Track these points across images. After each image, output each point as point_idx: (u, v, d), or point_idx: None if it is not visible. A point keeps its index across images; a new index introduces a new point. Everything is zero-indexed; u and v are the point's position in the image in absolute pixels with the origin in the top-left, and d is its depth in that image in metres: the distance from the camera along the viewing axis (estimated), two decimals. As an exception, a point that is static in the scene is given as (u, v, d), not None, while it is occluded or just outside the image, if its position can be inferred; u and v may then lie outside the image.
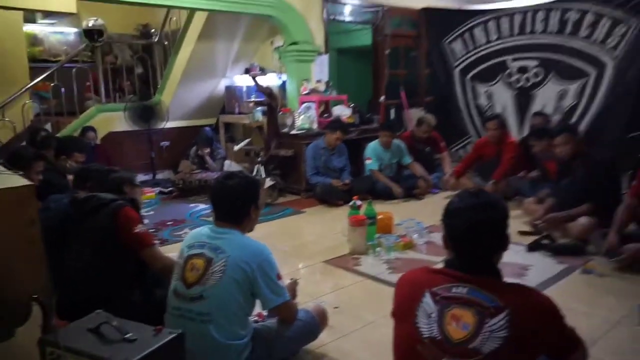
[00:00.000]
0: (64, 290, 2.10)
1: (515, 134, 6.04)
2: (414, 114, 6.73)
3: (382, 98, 6.98)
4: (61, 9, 6.77)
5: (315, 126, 5.73)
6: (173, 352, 1.54)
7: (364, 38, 7.58)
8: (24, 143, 5.78)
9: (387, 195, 5.17)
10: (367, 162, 5.39)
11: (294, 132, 5.69)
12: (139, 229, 2.24)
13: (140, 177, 6.61)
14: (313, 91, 6.03)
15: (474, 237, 1.48)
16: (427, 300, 1.47)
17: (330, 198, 5.14)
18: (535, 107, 6.17)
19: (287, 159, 5.63)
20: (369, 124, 6.27)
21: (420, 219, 4.14)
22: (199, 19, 6.35)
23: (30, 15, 7.23)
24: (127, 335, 1.51)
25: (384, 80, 7.17)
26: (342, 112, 6.02)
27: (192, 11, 6.33)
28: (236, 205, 2.00)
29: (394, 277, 3.16)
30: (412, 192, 5.30)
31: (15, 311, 1.75)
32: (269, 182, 5.32)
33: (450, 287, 1.47)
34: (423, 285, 1.50)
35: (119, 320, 1.60)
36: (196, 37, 6.43)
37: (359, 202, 3.81)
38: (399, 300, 1.60)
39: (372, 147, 5.43)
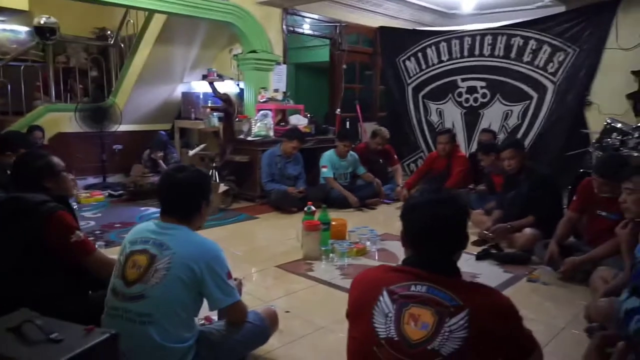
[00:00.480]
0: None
1: (464, 149, 6.12)
2: (368, 127, 6.72)
3: (338, 110, 6.96)
4: (12, 5, 6.47)
5: (271, 134, 5.61)
6: (105, 355, 1.34)
7: (321, 55, 7.65)
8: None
9: (340, 204, 5.08)
10: (323, 169, 5.30)
11: (250, 138, 5.55)
12: (76, 237, 1.94)
13: (90, 180, 6.38)
14: (270, 100, 5.92)
15: (433, 233, 1.39)
16: (384, 299, 1.36)
17: (285, 205, 5.01)
18: (483, 125, 6.29)
19: (242, 165, 5.48)
20: (325, 134, 6.20)
21: (373, 227, 4.06)
22: (157, 23, 6.15)
23: None
24: (52, 336, 1.30)
25: (340, 93, 7.19)
26: (299, 121, 5.92)
27: (150, 14, 6.13)
28: (186, 199, 1.82)
29: (347, 283, 3.04)
30: (364, 201, 5.23)
31: None
32: (223, 188, 5.15)
33: (409, 285, 1.36)
34: (380, 284, 1.39)
35: (44, 320, 1.39)
36: (153, 40, 6.22)
37: (313, 208, 3.69)
38: (354, 299, 1.47)
39: (328, 156, 5.35)
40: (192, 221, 1.84)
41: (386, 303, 1.34)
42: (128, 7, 5.88)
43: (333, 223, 3.70)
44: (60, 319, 1.49)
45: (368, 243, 3.74)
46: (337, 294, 2.89)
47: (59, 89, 6.42)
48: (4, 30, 7.32)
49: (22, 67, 6.17)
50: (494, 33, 6.18)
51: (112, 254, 2.20)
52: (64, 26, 6.20)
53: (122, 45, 6.96)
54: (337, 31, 7.07)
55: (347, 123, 7.22)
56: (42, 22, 5.89)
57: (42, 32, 5.90)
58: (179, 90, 6.97)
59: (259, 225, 4.62)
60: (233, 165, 5.51)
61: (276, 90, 6.10)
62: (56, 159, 2.21)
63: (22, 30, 7.42)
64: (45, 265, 1.91)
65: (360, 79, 7.71)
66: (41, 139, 5.56)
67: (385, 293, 1.36)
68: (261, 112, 5.73)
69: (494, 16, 7.38)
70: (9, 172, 3.18)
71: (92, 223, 4.31)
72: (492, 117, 6.27)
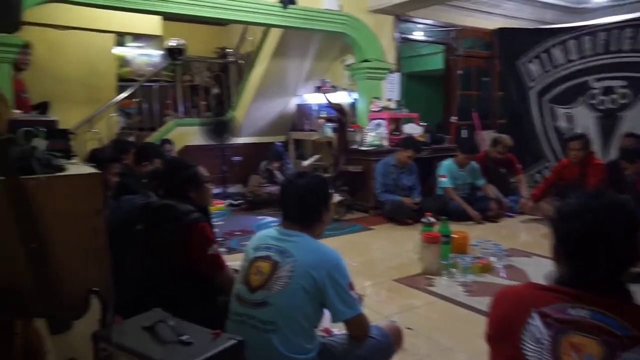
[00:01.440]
0: (124, 290, 1.95)
1: (599, 157, 5.47)
2: (486, 136, 6.33)
3: (454, 118, 6.66)
4: (148, 31, 7.17)
5: (385, 143, 5.52)
6: (232, 361, 1.32)
7: (434, 61, 7.43)
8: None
9: (459, 216, 4.80)
10: (441, 179, 5.05)
11: (363, 148, 5.52)
12: (212, 250, 2.06)
13: (213, 190, 6.70)
14: (384, 109, 5.84)
15: (596, 245, 1.15)
16: (536, 322, 1.15)
17: (400, 216, 4.86)
18: (623, 129, 5.59)
19: (356, 175, 5.44)
20: (440, 143, 5.96)
21: (496, 242, 3.75)
22: (273, 37, 6.37)
23: (121, 39, 7.61)
24: (183, 337, 1.31)
25: (455, 100, 6.90)
26: (413, 130, 5.76)
27: (266, 31, 6.38)
28: (306, 205, 1.80)
29: (472, 301, 2.82)
30: (485, 214, 4.90)
31: (74, 303, 1.65)
32: (337, 198, 5.10)
33: (565, 308, 1.14)
34: (528, 303, 1.19)
35: (176, 321, 1.41)
36: (270, 55, 6.44)
37: (432, 219, 3.50)
38: (498, 320, 1.27)
39: (447, 165, 5.10)
40: (313, 228, 1.81)
41: (538, 327, 1.14)
42: (247, 24, 6.18)
43: (454, 236, 3.47)
44: (185, 315, 1.54)
45: (493, 258, 3.45)
46: (461, 312, 2.68)
47: (186, 105, 6.94)
48: (141, 55, 8.14)
49: (155, 88, 6.76)
50: (636, 25, 5.48)
51: (233, 260, 2.25)
52: (190, 48, 6.70)
53: (241, 63, 7.33)
54: (452, 36, 6.80)
55: (464, 132, 6.88)
56: (172, 44, 6.43)
57: (171, 53, 6.44)
58: (293, 102, 7.14)
59: (373, 237, 4.53)
60: (347, 176, 5.49)
61: (389, 99, 6.02)
62: (201, 169, 2.32)
63: (156, 53, 8.22)
64: (181, 270, 2.02)
65: (477, 85, 7.33)
66: (171, 151, 5.99)
67: (535, 315, 1.16)
68: (374, 121, 5.68)
69: (632, 7, 6.59)
70: (144, 180, 3.49)
71: (216, 230, 4.50)
72: (635, 120, 5.55)
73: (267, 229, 1.88)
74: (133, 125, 6.79)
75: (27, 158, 1.71)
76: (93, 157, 3.21)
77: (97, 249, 1.82)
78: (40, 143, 1.87)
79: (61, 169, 1.82)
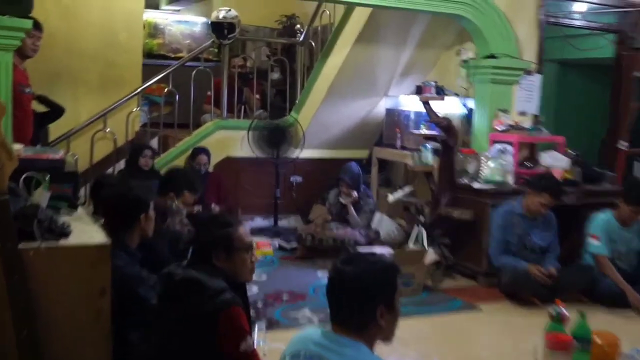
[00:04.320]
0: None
1: None
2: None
3: (623, 144, 6.52)
4: None
5: (510, 180, 5.54)
6: None
7: (601, 48, 7.20)
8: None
9: (613, 301, 4.74)
10: (593, 242, 5.01)
11: (477, 185, 5.55)
12: (246, 346, 2.28)
13: (258, 222, 7.04)
14: (513, 128, 5.84)
15: None
16: None
17: (523, 292, 4.88)
18: None
19: (462, 223, 5.47)
20: (597, 184, 5.87)
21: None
22: (359, 15, 6.50)
23: (152, 1, 8.20)
24: None
25: (627, 116, 6.74)
26: (555, 161, 5.71)
27: (350, 5, 6.51)
28: (356, 304, 1.93)
29: None
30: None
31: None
32: (431, 256, 5.22)
33: None
34: None
35: None
36: (354, 39, 6.59)
37: (564, 311, 3.53)
38: None
39: (603, 222, 5.05)
40: (369, 334, 1.94)
41: None
42: (328, 2, 6.45)
43: (596, 340, 3.47)
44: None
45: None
46: None
47: (231, 99, 7.25)
48: (179, 22, 8.67)
49: (194, 72, 7.13)
50: None
51: (275, 341, 2.39)
52: (244, 16, 7.02)
53: (313, 44, 7.60)
54: (629, 20, 6.68)
55: (638, 166, 6.75)
56: (220, 16, 6.78)
57: (219, 29, 6.79)
58: (382, 106, 7.25)
59: (479, 322, 4.57)
60: (449, 223, 5.52)
61: (522, 113, 6.00)
62: (241, 232, 2.57)
63: (198, 21, 8.75)
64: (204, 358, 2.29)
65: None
66: (206, 165, 6.41)
67: None
68: (497, 145, 5.69)
69: None
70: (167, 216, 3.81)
71: (255, 290, 4.72)
72: None
73: (310, 329, 2.07)
74: (158, 120, 7.25)
75: (28, 218, 2.01)
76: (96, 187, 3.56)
77: (99, 336, 2.13)
78: (43, 196, 2.20)
79: (64, 233, 2.11)
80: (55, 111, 5.46)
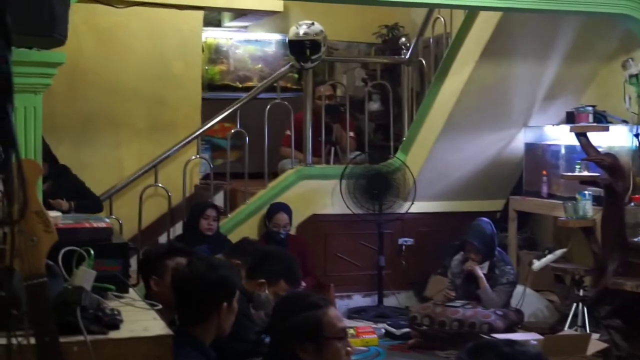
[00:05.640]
0: None
1: None
2: None
3: None
4: (261, 5, 7.46)
5: None
6: None
7: None
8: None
9: None
10: None
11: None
12: None
13: (357, 300, 7.02)
14: None
15: None
16: None
17: None
18: None
19: (638, 298, 5.22)
20: None
21: None
22: (486, 21, 6.29)
23: (211, 16, 8.23)
24: None
25: None
26: None
27: (470, 12, 6.36)
28: None
29: None
30: None
31: None
32: (596, 344, 4.87)
33: None
34: None
35: None
36: (479, 53, 6.39)
37: None
38: None
39: None
40: None
41: None
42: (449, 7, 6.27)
43: None
44: None
45: None
46: None
47: (317, 141, 7.04)
48: (247, 41, 8.56)
49: (267, 106, 6.92)
50: None
51: None
52: (331, 30, 6.92)
53: (424, 62, 7.41)
54: None
55: None
56: (300, 32, 6.59)
57: (299, 49, 6.59)
58: (520, 141, 7.03)
59: None
60: (620, 298, 5.38)
61: None
62: (332, 315, 2.54)
63: (272, 40, 8.65)
64: None
65: None
66: (287, 226, 6.28)
67: None
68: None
69: None
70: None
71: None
72: None
73: None
74: (222, 170, 7.08)
75: (70, 306, 2.01)
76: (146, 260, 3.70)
77: None
78: (87, 277, 2.23)
79: (114, 323, 2.13)
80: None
